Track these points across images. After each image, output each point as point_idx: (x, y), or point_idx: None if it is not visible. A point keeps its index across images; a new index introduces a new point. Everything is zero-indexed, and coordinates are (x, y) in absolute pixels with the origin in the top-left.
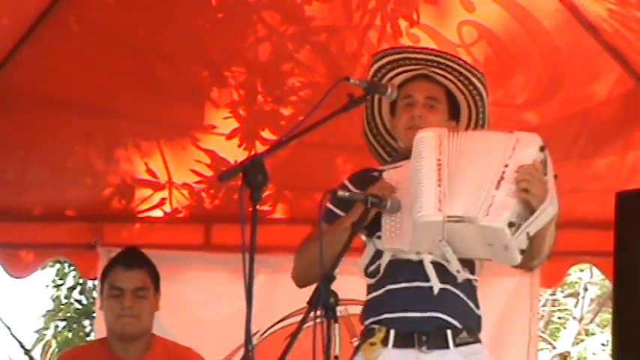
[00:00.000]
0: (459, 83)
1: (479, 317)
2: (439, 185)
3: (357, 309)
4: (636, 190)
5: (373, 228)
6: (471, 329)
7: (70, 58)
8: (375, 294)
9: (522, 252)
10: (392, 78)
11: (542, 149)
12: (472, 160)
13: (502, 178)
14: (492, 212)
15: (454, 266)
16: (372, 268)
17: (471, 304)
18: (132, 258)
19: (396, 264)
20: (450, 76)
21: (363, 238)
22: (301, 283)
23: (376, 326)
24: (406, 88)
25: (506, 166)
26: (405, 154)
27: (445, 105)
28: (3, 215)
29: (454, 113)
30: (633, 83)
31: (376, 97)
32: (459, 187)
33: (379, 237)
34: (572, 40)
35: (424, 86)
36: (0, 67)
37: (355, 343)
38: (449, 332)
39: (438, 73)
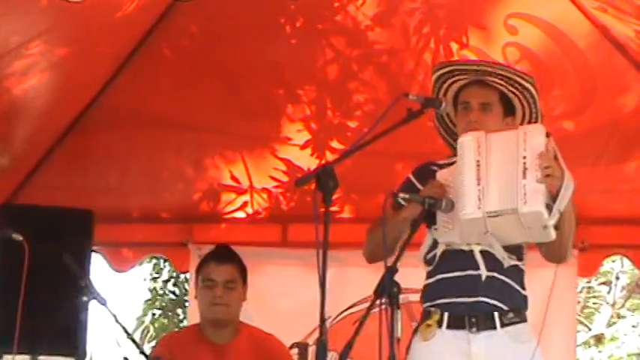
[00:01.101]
0: (509, 87)
1: (525, 297)
2: (478, 184)
3: (417, 297)
4: None
5: (431, 220)
6: (517, 309)
7: (163, 80)
8: (430, 280)
9: (555, 228)
10: (450, 85)
11: (547, 135)
12: (499, 158)
13: (525, 168)
14: (529, 199)
15: (499, 254)
16: (430, 256)
17: (517, 287)
18: (223, 254)
19: (450, 253)
20: (501, 81)
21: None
22: (371, 260)
23: (432, 309)
24: (463, 94)
25: (524, 157)
26: None
27: (499, 107)
28: (107, 218)
29: (508, 112)
30: None
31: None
32: (493, 183)
33: (436, 229)
34: (603, 57)
35: (478, 92)
36: (104, 89)
37: (414, 326)
38: (496, 315)
39: (490, 80)
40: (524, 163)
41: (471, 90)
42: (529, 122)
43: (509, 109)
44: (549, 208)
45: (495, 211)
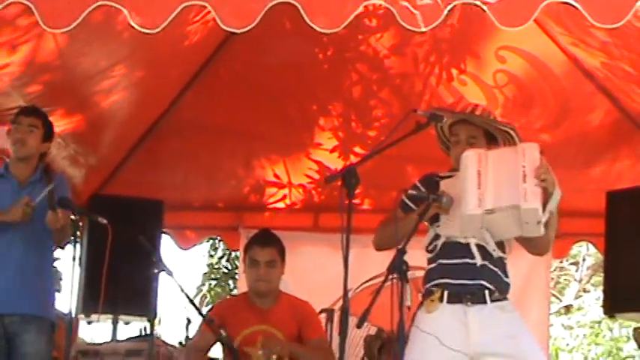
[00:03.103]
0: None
1: (508, 284)
2: (479, 188)
3: (422, 273)
4: (621, 190)
5: (434, 219)
6: (502, 291)
7: (220, 98)
8: (433, 265)
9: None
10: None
11: (541, 152)
12: (499, 168)
13: (525, 174)
14: (529, 198)
15: (491, 247)
16: (431, 246)
17: (502, 275)
18: (266, 237)
19: (450, 244)
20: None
21: (427, 224)
22: (379, 249)
23: (435, 288)
24: (455, 128)
25: (523, 166)
26: (456, 168)
27: (483, 138)
28: (174, 207)
29: (491, 142)
30: (618, 114)
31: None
32: (490, 188)
33: (438, 225)
34: (574, 83)
35: (466, 128)
36: (172, 104)
37: (420, 299)
38: (486, 292)
39: (474, 120)
40: (524, 171)
41: (460, 126)
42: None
43: (491, 139)
44: (543, 208)
45: (491, 209)
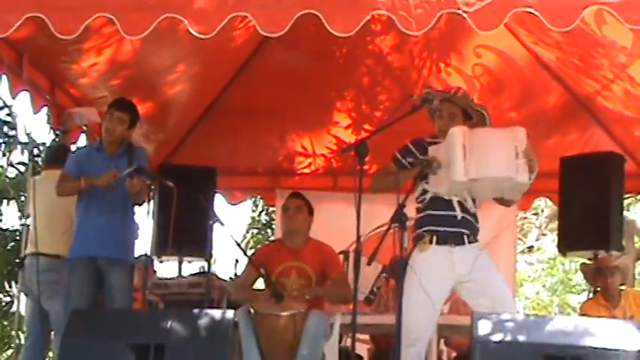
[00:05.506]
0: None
1: (478, 229)
2: (464, 160)
3: None
4: (572, 156)
5: (423, 177)
6: (475, 235)
7: (260, 87)
8: (422, 214)
9: None
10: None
11: (527, 135)
12: (484, 144)
13: (517, 153)
14: (521, 173)
15: (469, 204)
16: (420, 199)
17: (475, 223)
18: (295, 193)
19: (436, 199)
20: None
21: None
22: (374, 191)
23: (425, 233)
24: (440, 104)
25: (516, 146)
26: (438, 136)
27: (461, 116)
28: (225, 172)
29: (467, 119)
30: (569, 97)
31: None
32: (475, 161)
33: (427, 182)
34: (535, 72)
35: (448, 106)
36: (222, 93)
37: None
38: (465, 237)
39: (454, 99)
40: (516, 150)
41: (445, 104)
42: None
43: (467, 117)
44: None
45: (475, 178)
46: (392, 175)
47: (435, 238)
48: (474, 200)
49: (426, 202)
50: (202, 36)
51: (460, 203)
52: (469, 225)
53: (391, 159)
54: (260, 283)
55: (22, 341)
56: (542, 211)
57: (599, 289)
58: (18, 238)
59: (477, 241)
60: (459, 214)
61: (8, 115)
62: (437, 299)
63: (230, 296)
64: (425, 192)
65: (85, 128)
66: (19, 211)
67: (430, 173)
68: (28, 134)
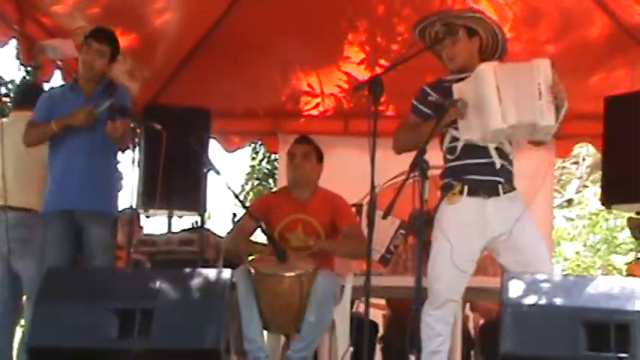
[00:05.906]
0: (468, 20)
1: (514, 175)
2: (500, 104)
3: (438, 171)
4: (618, 95)
5: (452, 123)
6: (511, 183)
7: (259, 19)
8: (455, 164)
9: None
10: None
11: (552, 66)
12: (515, 84)
13: (540, 92)
14: (546, 116)
15: (507, 150)
16: (451, 146)
17: (512, 170)
18: (302, 137)
19: (470, 147)
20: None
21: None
22: (399, 152)
23: (455, 182)
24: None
25: (539, 84)
26: (460, 70)
27: (464, 34)
28: (221, 114)
29: (472, 35)
30: (615, 27)
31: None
32: (511, 103)
33: (456, 128)
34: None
35: (445, 29)
36: (217, 24)
37: (438, 195)
38: (500, 187)
39: (451, 21)
40: (539, 88)
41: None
42: (493, 40)
43: (472, 33)
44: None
45: (514, 125)
46: (416, 129)
47: (466, 188)
48: (510, 142)
49: (458, 151)
50: None
51: (498, 149)
52: (506, 173)
53: (410, 110)
54: (260, 237)
55: None
56: (584, 159)
57: None
58: None
59: (513, 189)
60: (497, 161)
61: None
62: (468, 259)
63: (227, 253)
64: (455, 139)
65: (59, 63)
66: None
67: (458, 117)
68: None
